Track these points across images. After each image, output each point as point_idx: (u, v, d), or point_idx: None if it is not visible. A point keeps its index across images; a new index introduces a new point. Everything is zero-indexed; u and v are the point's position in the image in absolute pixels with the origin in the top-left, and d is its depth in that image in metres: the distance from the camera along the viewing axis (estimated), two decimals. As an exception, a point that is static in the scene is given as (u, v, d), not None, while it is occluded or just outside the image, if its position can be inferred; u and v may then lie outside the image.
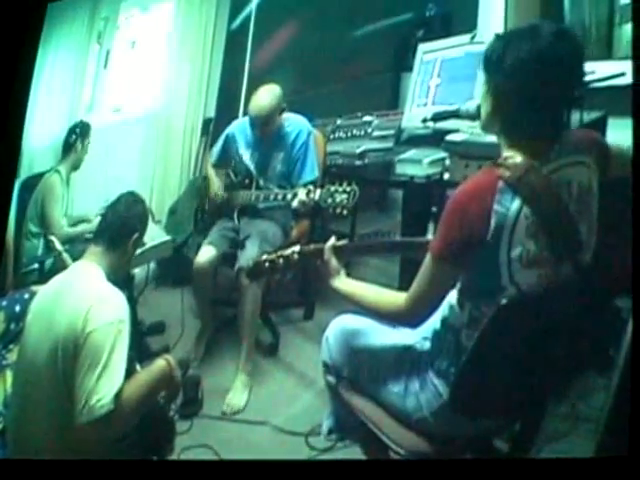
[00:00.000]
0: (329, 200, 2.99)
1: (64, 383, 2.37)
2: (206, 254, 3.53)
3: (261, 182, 3.62)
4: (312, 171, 3.56)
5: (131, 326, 2.47)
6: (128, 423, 2.40)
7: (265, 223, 3.56)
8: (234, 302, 3.46)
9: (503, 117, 1.95)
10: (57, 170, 4.17)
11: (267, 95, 3.53)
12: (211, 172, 3.85)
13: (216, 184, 3.78)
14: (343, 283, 2.27)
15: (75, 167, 4.23)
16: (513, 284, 1.89)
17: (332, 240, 2.33)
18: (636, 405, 2.02)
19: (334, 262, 2.29)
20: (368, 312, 2.20)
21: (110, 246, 2.62)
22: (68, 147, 4.19)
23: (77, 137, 4.19)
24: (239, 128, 3.77)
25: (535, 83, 1.85)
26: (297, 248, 2.42)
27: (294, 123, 3.62)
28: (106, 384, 2.29)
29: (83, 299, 2.43)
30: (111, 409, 2.28)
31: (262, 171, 3.64)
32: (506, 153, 1.92)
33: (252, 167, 3.66)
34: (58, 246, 3.56)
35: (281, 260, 2.44)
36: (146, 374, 2.53)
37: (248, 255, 3.29)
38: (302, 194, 3.20)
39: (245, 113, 4.04)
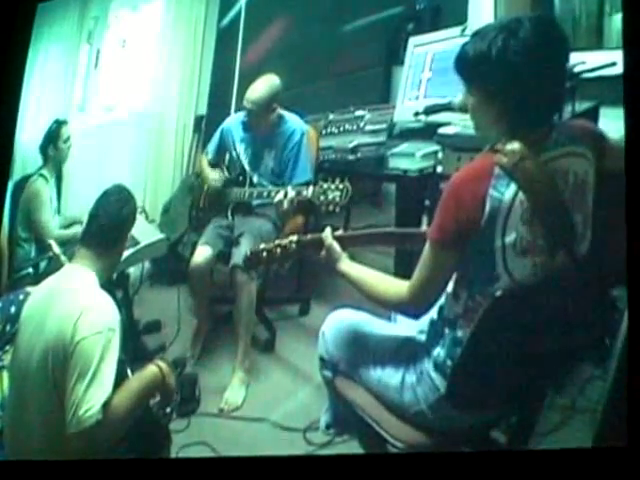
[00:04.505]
0: (322, 197, 2.99)
1: (55, 389, 2.37)
2: (202, 254, 3.52)
3: (254, 179, 3.63)
4: (304, 173, 3.54)
5: (126, 326, 2.46)
6: (118, 432, 2.40)
7: (259, 220, 3.56)
8: (230, 299, 3.45)
9: (495, 116, 1.96)
10: (41, 174, 4.17)
11: (263, 85, 3.55)
12: (205, 166, 3.84)
13: (211, 174, 3.78)
14: (349, 266, 2.26)
15: (58, 167, 4.24)
16: (507, 272, 1.90)
17: (328, 229, 2.33)
18: (633, 395, 2.02)
19: (336, 246, 2.29)
20: (371, 299, 2.19)
21: (104, 249, 2.60)
22: (44, 152, 4.19)
23: (48, 143, 4.18)
24: (235, 123, 3.77)
25: (523, 77, 1.87)
26: (295, 237, 2.42)
27: (288, 122, 3.62)
28: (95, 394, 2.28)
29: (73, 306, 2.41)
30: (99, 419, 2.27)
31: (255, 167, 3.65)
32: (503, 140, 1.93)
33: (245, 163, 3.67)
34: (56, 249, 3.55)
35: (278, 249, 2.44)
36: (137, 381, 2.51)
37: (242, 252, 3.28)
38: (292, 193, 3.20)
39: (237, 109, 4.04)
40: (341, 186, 2.94)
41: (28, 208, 4.11)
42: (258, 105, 3.53)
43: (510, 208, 1.86)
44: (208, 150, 3.89)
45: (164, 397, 2.60)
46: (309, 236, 2.41)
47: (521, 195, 1.86)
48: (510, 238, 1.87)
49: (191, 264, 3.54)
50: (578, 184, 1.93)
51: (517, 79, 1.87)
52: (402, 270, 2.16)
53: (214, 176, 3.77)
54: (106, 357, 2.34)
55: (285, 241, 2.44)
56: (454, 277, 2.01)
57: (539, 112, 1.92)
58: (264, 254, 2.48)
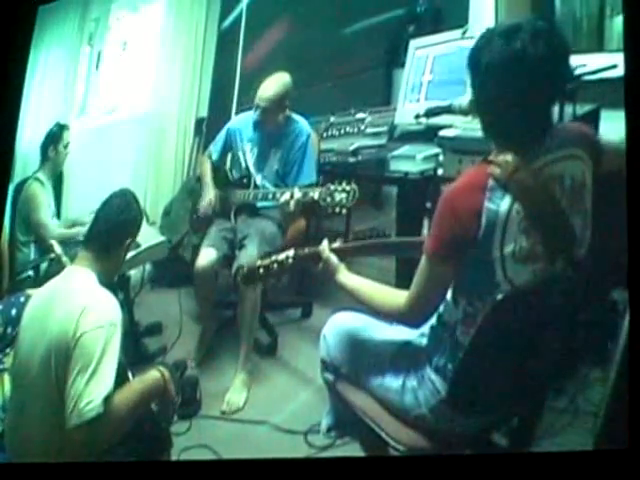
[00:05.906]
0: (328, 199, 2.99)
1: (57, 388, 2.37)
2: (207, 257, 3.49)
3: (258, 180, 3.62)
4: (309, 175, 3.53)
5: (127, 328, 2.46)
6: (118, 429, 2.39)
7: (263, 222, 3.55)
8: (233, 303, 3.44)
9: (487, 118, 1.96)
10: (36, 177, 4.16)
11: (276, 82, 3.54)
12: (207, 174, 3.82)
13: (211, 191, 3.75)
14: (347, 278, 2.27)
15: (55, 171, 4.24)
16: (507, 280, 1.89)
17: (325, 242, 2.34)
18: (634, 397, 2.02)
19: (334, 258, 2.29)
20: (370, 310, 2.20)
21: (102, 252, 2.60)
22: (44, 151, 4.19)
23: (50, 143, 4.18)
24: (244, 122, 3.76)
25: (514, 83, 1.86)
26: (291, 252, 2.42)
27: (295, 123, 3.62)
28: (96, 387, 2.29)
29: (75, 305, 2.41)
30: (100, 412, 2.27)
31: (260, 168, 3.64)
32: (497, 150, 1.92)
33: (251, 163, 3.66)
34: (57, 249, 3.56)
35: (275, 265, 2.45)
36: (139, 383, 2.52)
37: (248, 254, 3.28)
38: (299, 194, 3.20)
39: (238, 112, 4.04)
40: (348, 188, 2.95)
41: (26, 211, 4.11)
42: (271, 102, 3.52)
43: (507, 219, 1.86)
44: (212, 150, 3.86)
45: (165, 403, 2.61)
46: (306, 250, 2.41)
47: (517, 205, 1.85)
48: (509, 248, 1.87)
49: (196, 267, 3.50)
50: (575, 187, 1.93)
51: (510, 85, 1.87)
52: (404, 276, 2.15)
53: (212, 194, 3.76)
54: (108, 351, 2.34)
55: (282, 256, 2.44)
56: (452, 284, 2.01)
57: (531, 122, 1.91)
58: (261, 270, 2.48)
